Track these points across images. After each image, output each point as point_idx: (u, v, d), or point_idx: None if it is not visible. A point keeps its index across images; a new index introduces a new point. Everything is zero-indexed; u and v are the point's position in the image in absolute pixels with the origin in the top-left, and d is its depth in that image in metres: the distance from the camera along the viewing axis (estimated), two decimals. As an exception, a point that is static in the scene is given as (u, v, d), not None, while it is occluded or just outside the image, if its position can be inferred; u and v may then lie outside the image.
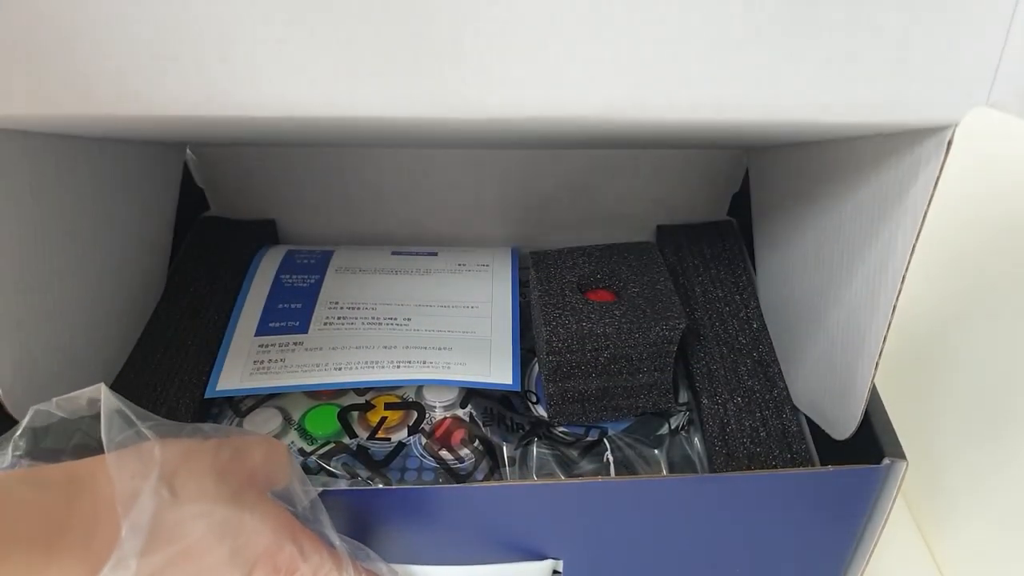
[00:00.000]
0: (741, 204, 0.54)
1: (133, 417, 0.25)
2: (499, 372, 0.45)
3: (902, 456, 0.35)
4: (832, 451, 0.41)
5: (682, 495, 0.35)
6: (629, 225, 0.55)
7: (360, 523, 0.33)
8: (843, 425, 0.37)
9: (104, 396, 0.25)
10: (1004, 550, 0.44)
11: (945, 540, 0.50)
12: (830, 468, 0.35)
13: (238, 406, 0.45)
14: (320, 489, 0.30)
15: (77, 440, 0.25)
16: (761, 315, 0.48)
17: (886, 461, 0.35)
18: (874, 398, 0.37)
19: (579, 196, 0.54)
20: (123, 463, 0.24)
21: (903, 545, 0.51)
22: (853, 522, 0.37)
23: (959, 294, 0.48)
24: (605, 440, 0.44)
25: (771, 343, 0.46)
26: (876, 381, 0.38)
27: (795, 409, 0.43)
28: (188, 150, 0.53)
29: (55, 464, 0.24)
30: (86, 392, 0.25)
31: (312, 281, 0.50)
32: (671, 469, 0.43)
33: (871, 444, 0.36)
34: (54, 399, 0.25)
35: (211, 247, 0.53)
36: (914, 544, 0.51)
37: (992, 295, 0.45)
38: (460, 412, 0.45)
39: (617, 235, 0.49)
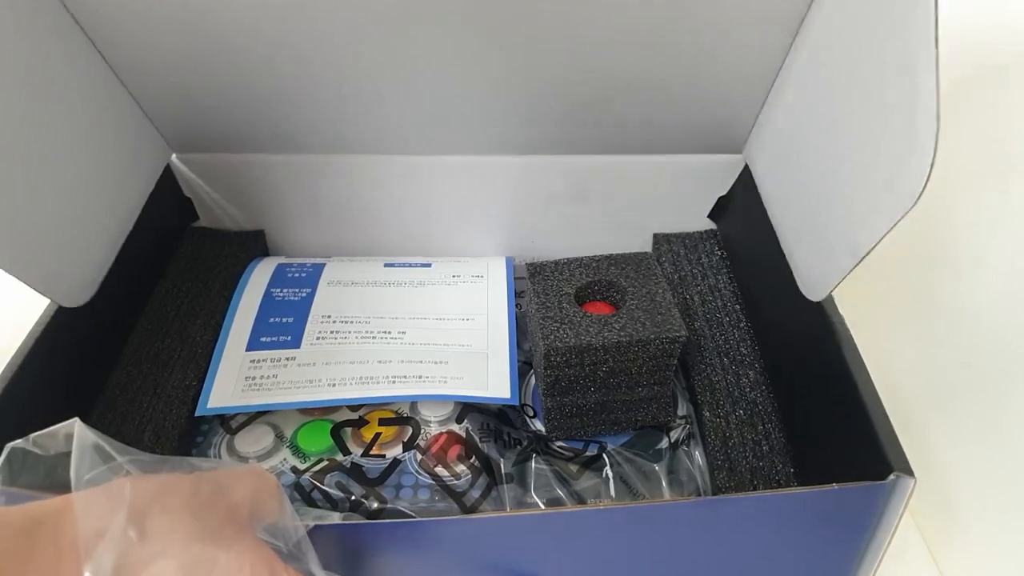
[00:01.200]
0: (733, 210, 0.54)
1: (112, 452, 0.24)
2: (497, 386, 0.44)
3: (909, 472, 0.34)
4: (834, 464, 0.40)
5: (683, 519, 0.34)
6: (624, 234, 0.54)
7: (352, 557, 0.32)
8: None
9: (78, 431, 0.24)
10: (1016, 569, 0.44)
11: (953, 556, 0.49)
12: (835, 486, 0.34)
13: (229, 423, 0.44)
14: (311, 524, 0.29)
15: (58, 476, 0.24)
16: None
17: (892, 477, 0.34)
18: (879, 411, 0.36)
19: (573, 204, 0.53)
20: (89, 502, 0.23)
21: (910, 561, 0.50)
22: (857, 539, 0.36)
23: (960, 294, 0.47)
24: (604, 455, 0.43)
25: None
26: (880, 393, 0.37)
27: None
28: (175, 157, 0.52)
29: (18, 505, 0.23)
30: (62, 428, 0.24)
31: (304, 295, 0.49)
32: (671, 483, 0.42)
33: (877, 459, 0.35)
34: (31, 435, 0.24)
35: (200, 258, 0.52)
36: (921, 559, 0.51)
37: (997, 294, 0.44)
38: (456, 427, 0.44)
39: (611, 244, 0.49)
